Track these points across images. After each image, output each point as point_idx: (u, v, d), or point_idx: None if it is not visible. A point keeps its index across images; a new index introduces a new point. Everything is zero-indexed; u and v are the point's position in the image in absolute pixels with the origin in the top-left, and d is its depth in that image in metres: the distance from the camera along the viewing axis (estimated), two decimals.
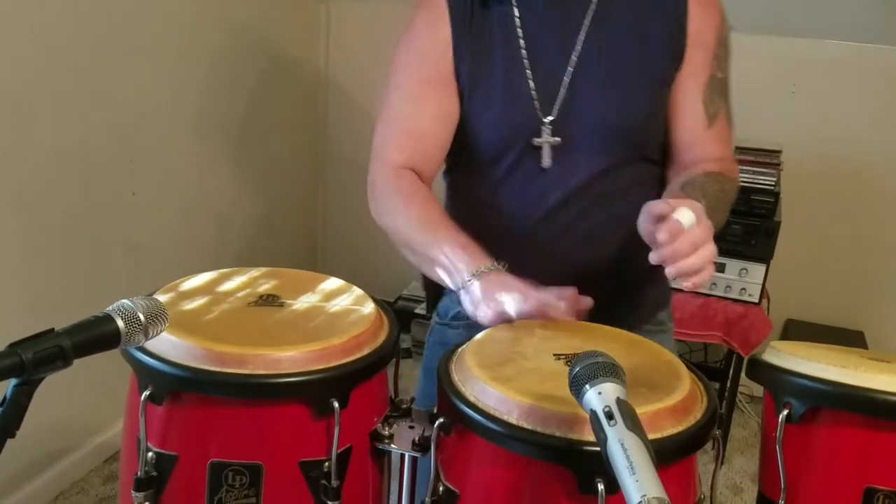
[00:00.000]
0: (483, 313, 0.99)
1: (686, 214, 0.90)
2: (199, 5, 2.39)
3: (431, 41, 1.14)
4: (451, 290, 1.34)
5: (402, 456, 0.94)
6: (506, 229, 1.15)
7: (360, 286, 1.04)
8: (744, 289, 2.40)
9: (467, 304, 1.01)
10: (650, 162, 1.17)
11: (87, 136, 2.04)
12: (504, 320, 0.98)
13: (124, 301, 0.77)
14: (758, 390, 2.81)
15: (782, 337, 2.77)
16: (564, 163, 1.13)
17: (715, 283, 2.40)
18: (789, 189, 2.47)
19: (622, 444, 0.64)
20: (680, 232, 0.89)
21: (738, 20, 2.51)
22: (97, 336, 0.74)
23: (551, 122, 1.11)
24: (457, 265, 1.03)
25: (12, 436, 0.70)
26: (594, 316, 1.06)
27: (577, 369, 0.71)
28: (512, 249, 1.06)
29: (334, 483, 0.88)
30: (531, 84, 1.11)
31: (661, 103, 1.13)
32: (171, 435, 0.87)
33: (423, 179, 1.16)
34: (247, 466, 0.86)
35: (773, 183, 2.38)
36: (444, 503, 0.87)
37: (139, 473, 0.87)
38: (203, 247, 2.61)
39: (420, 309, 3.08)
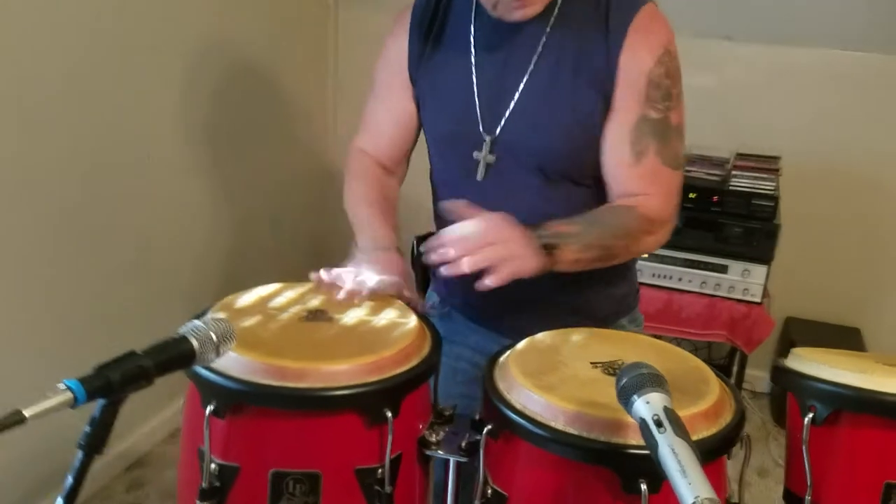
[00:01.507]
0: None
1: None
2: (210, 15, 2.43)
3: (395, 51, 1.31)
4: (433, 282, 1.44)
5: (447, 461, 1.00)
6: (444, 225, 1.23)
7: None
8: (746, 289, 2.46)
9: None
10: (581, 186, 1.22)
11: (104, 137, 2.09)
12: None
13: (196, 322, 0.82)
14: (760, 386, 2.91)
15: (783, 334, 2.84)
16: (498, 180, 1.22)
17: (719, 284, 2.47)
18: (788, 193, 2.54)
19: (673, 450, 0.69)
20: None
21: (736, 30, 2.61)
22: (174, 356, 0.79)
23: (491, 140, 1.21)
24: (358, 237, 1.29)
25: (100, 452, 0.76)
26: (574, 312, 1.18)
27: (625, 380, 0.76)
28: None
29: (387, 489, 0.93)
30: (477, 103, 1.22)
31: (588, 137, 1.18)
32: (233, 447, 0.92)
33: (385, 166, 1.37)
34: (306, 475, 0.91)
35: (773, 188, 2.45)
36: None
37: (203, 485, 0.91)
38: (215, 249, 2.66)
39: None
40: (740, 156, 2.53)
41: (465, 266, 0.99)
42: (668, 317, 2.46)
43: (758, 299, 2.45)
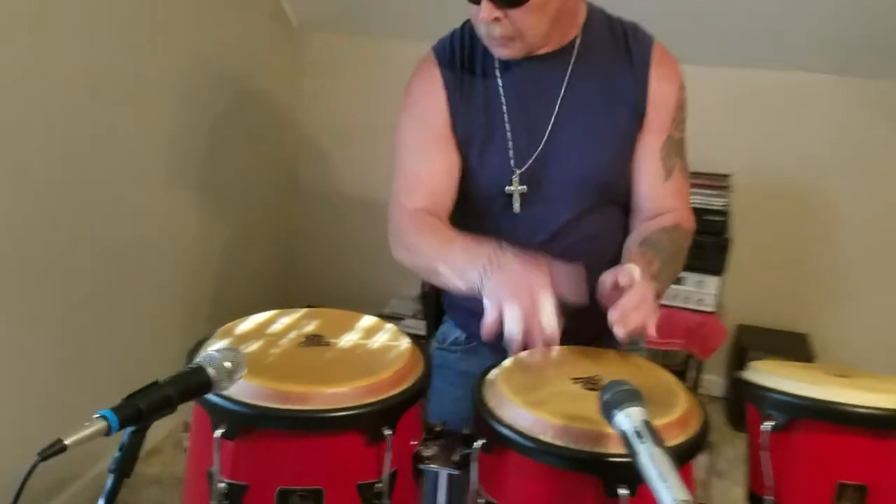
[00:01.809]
0: (486, 313, 1.03)
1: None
2: (176, 40, 2.46)
3: (430, 106, 1.30)
4: (450, 317, 1.48)
5: (437, 474, 1.07)
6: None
7: (337, 307, 1.21)
8: (701, 299, 2.60)
9: (489, 291, 1.05)
10: (616, 207, 1.32)
11: (79, 166, 2.12)
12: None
13: (212, 352, 0.88)
14: (715, 391, 3.05)
15: (735, 341, 2.98)
16: (536, 210, 1.28)
17: (675, 295, 2.60)
18: (739, 209, 2.69)
19: (652, 458, 0.78)
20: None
21: (688, 53, 2.72)
22: (194, 385, 0.85)
23: (521, 174, 1.26)
24: (469, 268, 1.10)
25: (129, 475, 0.81)
26: (579, 340, 1.20)
27: (607, 396, 0.85)
28: None
29: (386, 502, 1.00)
30: (509, 140, 1.27)
31: (625, 158, 1.28)
32: (241, 467, 0.97)
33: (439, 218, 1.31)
34: (311, 491, 0.97)
35: (724, 204, 2.60)
36: None
37: (213, 502, 0.97)
38: (188, 270, 2.69)
39: (400, 327, 3.21)
40: (693, 174, 2.65)
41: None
42: None
43: (712, 309, 2.59)
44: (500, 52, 1.23)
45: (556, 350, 1.15)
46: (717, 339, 2.58)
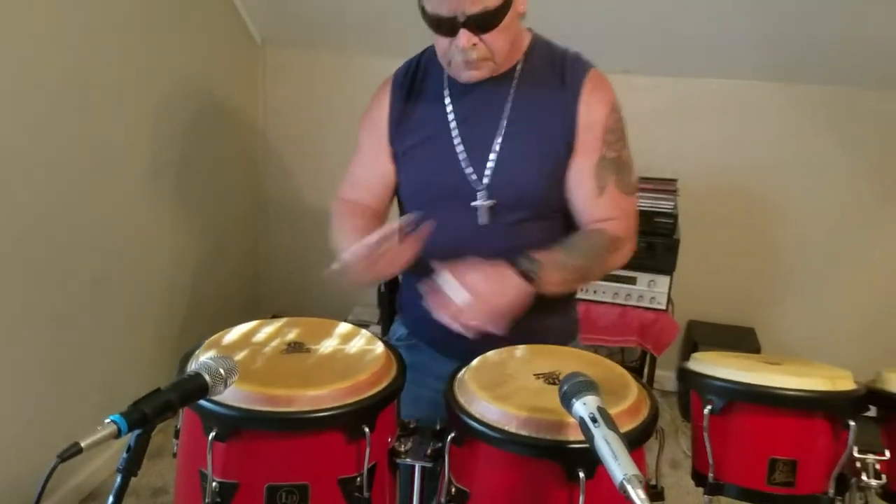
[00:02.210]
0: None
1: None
2: (144, 58, 2.50)
3: (376, 118, 1.48)
4: (399, 317, 1.60)
5: (412, 467, 1.16)
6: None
7: (303, 316, 1.30)
8: (653, 297, 2.73)
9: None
10: (554, 220, 1.44)
11: (51, 183, 2.16)
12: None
13: (207, 360, 0.96)
14: (669, 385, 3.20)
15: (686, 336, 3.13)
16: (493, 221, 1.41)
17: (629, 294, 2.73)
18: (685, 211, 2.83)
19: (605, 440, 0.88)
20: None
21: (633, 65, 2.88)
22: (192, 390, 0.92)
23: (485, 188, 1.39)
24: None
25: (135, 475, 0.89)
26: (533, 334, 1.32)
27: (566, 388, 0.95)
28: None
29: (366, 494, 1.09)
30: (461, 156, 1.40)
31: (558, 176, 1.40)
32: (231, 466, 1.05)
33: (374, 218, 1.50)
34: (297, 487, 1.06)
35: (672, 207, 2.74)
36: (457, 502, 1.09)
37: (207, 500, 1.05)
38: (159, 279, 2.75)
39: None
40: (642, 179, 2.79)
41: (472, 332, 1.18)
42: (586, 326, 2.70)
43: (663, 306, 2.72)
44: (472, 76, 1.35)
45: (521, 349, 1.26)
46: (669, 335, 2.72)
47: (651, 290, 2.73)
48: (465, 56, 1.30)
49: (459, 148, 1.40)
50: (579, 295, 2.72)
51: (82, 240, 2.31)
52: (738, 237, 3.11)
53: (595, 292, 2.74)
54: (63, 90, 2.17)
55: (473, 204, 1.40)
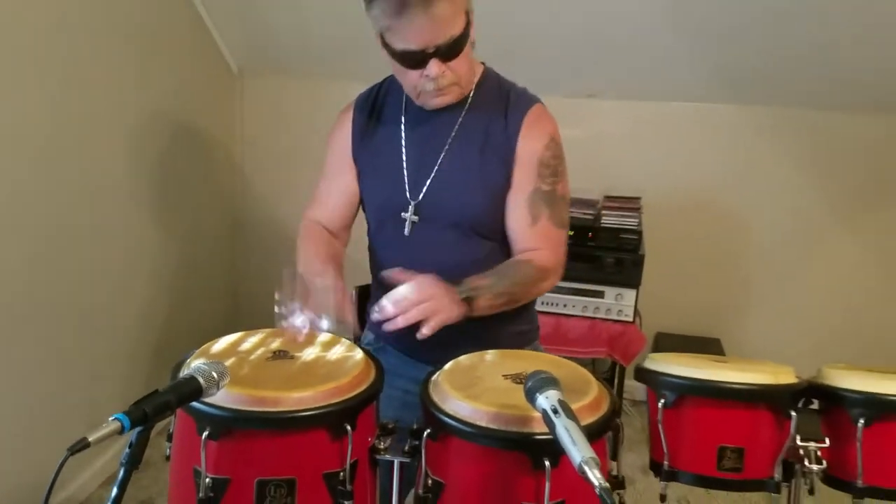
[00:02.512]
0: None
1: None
2: (125, 87, 2.59)
3: (340, 138, 1.60)
4: (368, 323, 1.70)
5: (393, 463, 1.25)
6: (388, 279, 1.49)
7: None
8: (620, 310, 2.85)
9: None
10: (489, 240, 1.54)
11: (31, 209, 2.23)
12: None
13: (200, 365, 1.04)
14: (639, 395, 3.31)
15: (654, 348, 3.25)
16: (423, 235, 1.51)
17: (598, 308, 2.84)
18: (650, 227, 2.96)
19: (566, 428, 0.97)
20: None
21: (599, 90, 3.02)
22: (187, 391, 1.01)
23: (415, 204, 1.50)
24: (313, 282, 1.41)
25: (137, 468, 0.97)
26: (486, 346, 1.39)
27: (530, 383, 1.04)
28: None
29: (349, 488, 1.17)
30: (405, 174, 1.52)
31: (495, 203, 1.50)
32: (223, 463, 1.13)
33: (332, 231, 1.63)
34: (284, 481, 1.13)
35: (637, 223, 2.86)
36: (433, 492, 1.17)
37: (200, 495, 1.12)
38: (139, 300, 2.81)
39: None
40: (608, 197, 2.94)
41: (401, 322, 1.27)
42: (557, 338, 2.81)
43: (630, 319, 2.84)
44: (444, 100, 1.46)
45: (490, 353, 1.35)
46: (636, 345, 2.83)
47: (619, 303, 2.84)
48: (436, 84, 1.40)
49: (405, 167, 1.51)
50: (550, 309, 2.85)
51: (64, 263, 2.38)
52: (701, 252, 3.25)
53: (565, 306, 2.85)
54: (43, 121, 2.24)
55: (403, 215, 1.51)
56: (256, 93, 3.45)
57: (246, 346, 1.30)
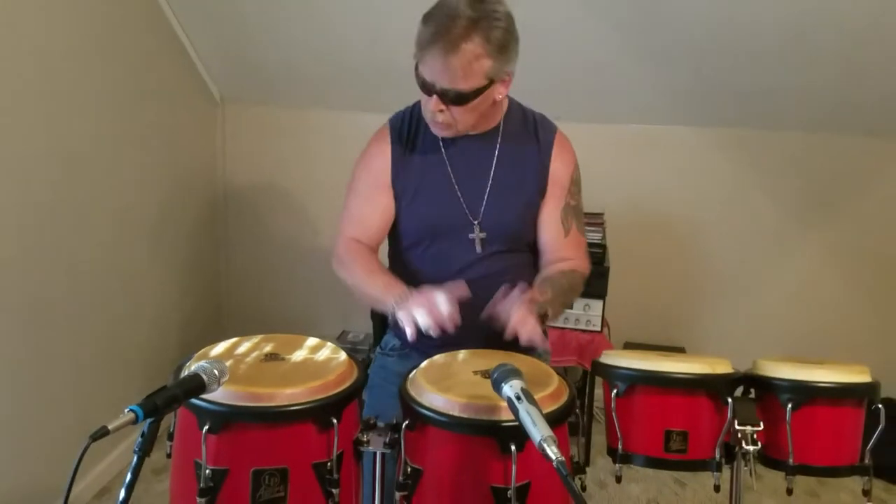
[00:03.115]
0: (405, 324, 1.44)
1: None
2: (106, 108, 2.69)
3: (379, 160, 1.70)
4: (391, 327, 1.82)
5: (375, 453, 1.38)
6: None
7: None
8: (588, 320, 3.00)
9: (399, 320, 1.46)
10: (525, 252, 1.73)
11: (24, 229, 2.34)
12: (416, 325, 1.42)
13: (203, 364, 1.17)
14: None
15: None
16: (483, 250, 1.67)
17: (567, 318, 2.99)
18: (613, 241, 3.13)
19: (528, 412, 1.11)
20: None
21: (564, 112, 3.19)
22: (192, 387, 1.13)
23: (479, 223, 1.66)
24: (385, 298, 1.53)
25: (148, 455, 1.09)
26: (502, 346, 1.53)
27: (496, 374, 1.18)
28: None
29: (336, 476, 1.29)
30: (459, 194, 1.66)
31: (532, 217, 1.69)
32: (222, 454, 1.24)
33: (373, 249, 1.73)
34: (278, 470, 1.25)
35: (601, 237, 3.03)
36: (412, 479, 1.30)
37: (201, 485, 1.24)
38: (128, 315, 2.92)
39: None
40: None
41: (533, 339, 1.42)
42: None
43: (598, 328, 2.99)
44: (438, 132, 1.63)
45: (462, 353, 1.49)
46: None
47: (586, 313, 2.99)
48: (432, 116, 1.56)
49: (458, 191, 1.66)
50: None
51: (56, 280, 2.48)
52: (663, 264, 3.43)
53: None
54: (27, 149, 2.34)
55: (471, 236, 1.66)
56: (238, 120, 3.58)
57: (241, 349, 1.42)
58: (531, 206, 1.68)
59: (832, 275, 3.35)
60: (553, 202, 1.68)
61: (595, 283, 2.96)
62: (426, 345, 1.64)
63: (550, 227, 1.69)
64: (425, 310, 1.40)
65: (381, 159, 1.69)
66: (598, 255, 2.98)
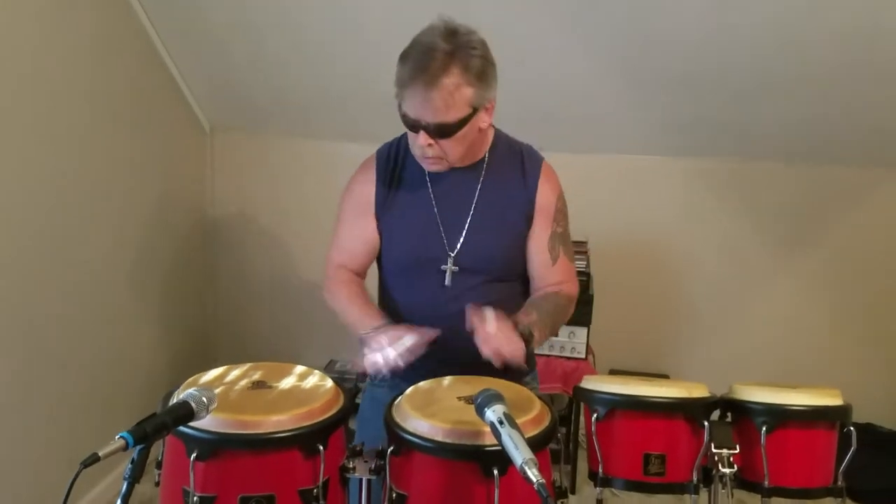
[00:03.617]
0: (368, 356, 1.50)
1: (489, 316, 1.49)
2: (97, 138, 2.73)
3: (364, 192, 1.74)
4: None
5: (361, 480, 1.40)
6: (414, 318, 1.66)
7: None
8: (573, 347, 3.03)
9: (364, 351, 1.51)
10: (513, 282, 1.76)
11: (14, 270, 2.36)
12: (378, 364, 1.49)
13: (192, 392, 1.19)
14: None
15: None
16: (458, 283, 1.70)
17: (552, 345, 3.02)
18: (597, 269, 3.18)
19: (510, 436, 1.14)
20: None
21: (547, 143, 3.26)
22: (181, 414, 1.16)
23: (454, 257, 1.69)
24: (357, 330, 1.60)
25: (138, 481, 1.11)
26: (491, 373, 1.55)
27: (479, 400, 1.21)
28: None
29: (322, 502, 1.31)
30: (441, 230, 1.70)
31: (519, 247, 1.73)
32: (210, 482, 1.26)
33: (358, 274, 1.78)
34: (265, 496, 1.27)
35: (586, 266, 3.08)
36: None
37: None
38: (117, 350, 2.94)
39: None
40: None
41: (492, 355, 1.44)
42: None
43: (583, 356, 3.02)
44: (430, 167, 1.66)
45: (448, 379, 1.52)
46: None
47: (571, 340, 3.03)
48: (422, 152, 1.60)
49: (440, 225, 1.70)
50: None
51: (44, 310, 2.50)
52: (647, 292, 3.48)
53: None
54: (15, 179, 2.36)
55: (443, 268, 1.69)
56: (227, 149, 3.63)
57: (230, 377, 1.45)
58: (517, 236, 1.71)
59: (811, 302, 3.41)
60: (540, 231, 1.71)
61: (580, 311, 2.97)
62: (413, 375, 1.66)
63: (538, 256, 1.72)
64: (379, 353, 1.47)
65: (367, 189, 1.74)
66: (582, 283, 2.98)
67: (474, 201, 1.70)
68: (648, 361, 3.50)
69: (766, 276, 3.42)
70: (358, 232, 1.75)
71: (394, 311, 1.74)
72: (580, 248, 3.12)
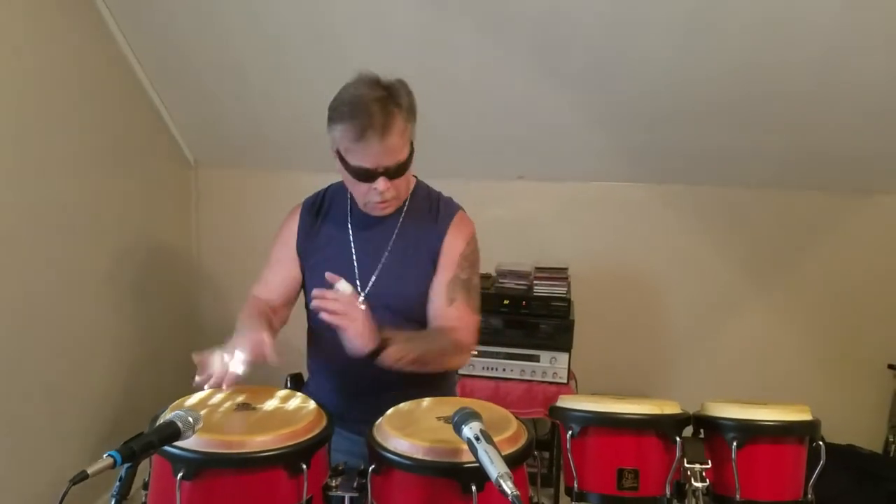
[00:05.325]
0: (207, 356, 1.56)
1: (343, 285, 1.56)
2: (80, 171, 2.79)
3: (288, 233, 1.87)
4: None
5: (344, 498, 1.43)
6: (335, 353, 1.66)
7: None
8: (555, 373, 3.07)
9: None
10: (417, 323, 1.79)
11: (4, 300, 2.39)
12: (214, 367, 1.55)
13: (178, 412, 1.23)
14: None
15: None
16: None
17: (534, 371, 3.06)
18: (578, 295, 3.24)
19: (486, 451, 1.18)
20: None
21: (527, 171, 3.34)
22: (167, 434, 1.20)
23: (365, 296, 1.76)
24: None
25: (126, 498, 1.15)
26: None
27: (456, 418, 1.26)
28: (341, 367, 1.71)
29: None
30: (356, 269, 1.78)
31: (425, 293, 1.78)
32: (196, 501, 1.30)
33: (272, 307, 1.82)
34: None
35: (565, 292, 3.13)
36: None
37: None
38: (101, 384, 2.95)
39: None
40: (538, 269, 3.21)
41: (325, 315, 1.51)
42: (496, 401, 2.89)
43: (565, 380, 3.06)
44: (386, 210, 1.75)
45: (427, 400, 1.57)
46: None
47: (553, 366, 3.07)
48: (382, 197, 1.68)
49: (355, 266, 1.78)
50: (490, 373, 3.06)
51: (35, 346, 2.53)
52: (626, 317, 3.54)
53: (504, 370, 3.08)
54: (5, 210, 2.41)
55: None
56: (212, 183, 3.69)
57: (214, 400, 1.49)
58: (424, 279, 1.77)
59: (787, 327, 3.48)
60: (442, 274, 1.77)
61: (561, 337, 3.05)
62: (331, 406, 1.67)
63: (436, 297, 1.77)
64: (217, 363, 1.54)
65: (290, 232, 1.86)
66: (563, 309, 3.08)
67: (389, 245, 1.79)
68: (630, 385, 3.54)
69: (744, 301, 3.48)
70: (278, 267, 1.87)
71: (318, 348, 1.89)
72: (560, 275, 3.18)
